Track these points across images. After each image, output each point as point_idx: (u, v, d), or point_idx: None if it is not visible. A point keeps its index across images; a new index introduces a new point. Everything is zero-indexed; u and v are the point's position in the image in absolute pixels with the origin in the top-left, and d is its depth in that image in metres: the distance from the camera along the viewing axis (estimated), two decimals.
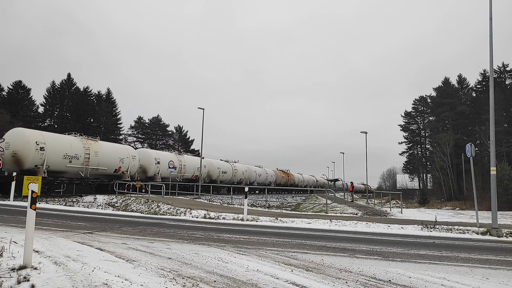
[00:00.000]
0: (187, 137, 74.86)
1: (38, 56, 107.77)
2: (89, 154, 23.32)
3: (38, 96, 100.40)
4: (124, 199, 19.98)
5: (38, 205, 6.83)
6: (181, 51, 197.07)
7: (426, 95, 64.05)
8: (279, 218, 13.48)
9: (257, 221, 12.94)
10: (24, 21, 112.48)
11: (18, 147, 19.95)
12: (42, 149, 20.40)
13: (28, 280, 4.25)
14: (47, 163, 20.70)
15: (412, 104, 66.27)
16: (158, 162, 30.02)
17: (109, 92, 63.68)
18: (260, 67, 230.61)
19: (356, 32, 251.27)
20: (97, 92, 62.00)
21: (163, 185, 19.66)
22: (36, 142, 20.23)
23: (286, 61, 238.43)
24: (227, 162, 42.27)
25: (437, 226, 11.80)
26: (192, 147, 72.73)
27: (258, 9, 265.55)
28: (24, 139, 20.10)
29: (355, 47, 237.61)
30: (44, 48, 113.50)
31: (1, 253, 5.52)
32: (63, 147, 21.85)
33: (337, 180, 78.84)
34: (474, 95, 52.62)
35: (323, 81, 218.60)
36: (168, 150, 38.05)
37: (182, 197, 24.41)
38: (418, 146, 67.59)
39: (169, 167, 28.90)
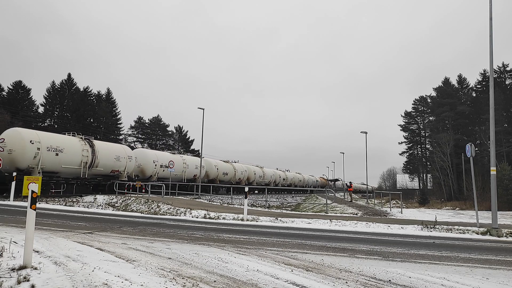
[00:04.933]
0: (187, 137, 74.97)
1: (28, 54, 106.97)
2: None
3: (38, 96, 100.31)
4: (124, 199, 19.98)
5: (38, 205, 6.83)
6: (168, 50, 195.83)
7: (426, 95, 64.19)
8: (279, 218, 13.48)
9: (257, 221, 12.94)
10: (6, 16, 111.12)
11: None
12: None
13: (28, 280, 4.25)
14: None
15: (412, 104, 66.44)
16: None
17: (109, 92, 63.68)
18: (255, 66, 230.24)
19: (354, 31, 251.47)
20: (97, 92, 62.06)
21: (163, 185, 19.65)
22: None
23: (283, 61, 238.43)
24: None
25: (437, 226, 11.80)
26: (192, 147, 72.83)
27: (245, 4, 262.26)
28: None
29: (353, 47, 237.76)
30: (33, 45, 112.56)
31: (1, 253, 5.53)
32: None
33: (337, 180, 78.94)
34: (474, 95, 52.65)
35: (322, 82, 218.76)
36: (168, 150, 37.99)
37: (182, 197, 24.41)
38: (418, 146, 67.62)
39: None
